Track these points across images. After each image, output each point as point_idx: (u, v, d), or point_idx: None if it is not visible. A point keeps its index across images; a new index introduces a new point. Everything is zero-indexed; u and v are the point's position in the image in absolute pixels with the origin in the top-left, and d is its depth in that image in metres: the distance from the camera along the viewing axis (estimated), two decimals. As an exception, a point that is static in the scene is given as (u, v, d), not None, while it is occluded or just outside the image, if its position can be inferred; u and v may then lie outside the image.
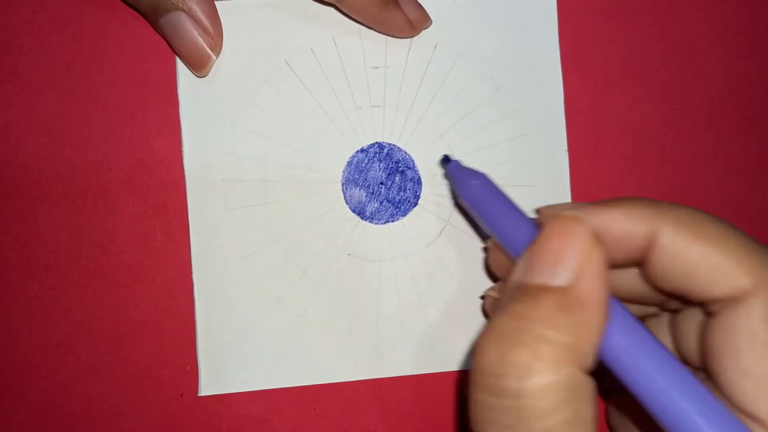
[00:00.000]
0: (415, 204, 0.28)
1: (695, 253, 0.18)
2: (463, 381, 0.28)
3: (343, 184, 0.28)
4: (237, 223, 0.27)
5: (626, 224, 0.19)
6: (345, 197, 0.28)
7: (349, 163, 0.28)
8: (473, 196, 0.24)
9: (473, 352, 0.18)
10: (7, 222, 0.27)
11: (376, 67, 0.28)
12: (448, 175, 0.26)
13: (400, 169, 0.28)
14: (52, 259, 0.27)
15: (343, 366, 0.27)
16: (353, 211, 0.28)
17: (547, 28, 0.28)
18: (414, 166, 0.28)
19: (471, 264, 0.28)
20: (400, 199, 0.28)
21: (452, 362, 0.28)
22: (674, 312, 0.22)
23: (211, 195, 0.27)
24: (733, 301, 0.18)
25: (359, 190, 0.28)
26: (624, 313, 0.18)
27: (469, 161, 0.26)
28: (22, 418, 0.27)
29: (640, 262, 0.20)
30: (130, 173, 0.27)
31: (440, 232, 0.28)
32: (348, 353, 0.27)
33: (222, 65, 0.27)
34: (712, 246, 0.18)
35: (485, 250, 0.28)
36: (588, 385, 0.17)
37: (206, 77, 0.27)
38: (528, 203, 0.23)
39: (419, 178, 0.28)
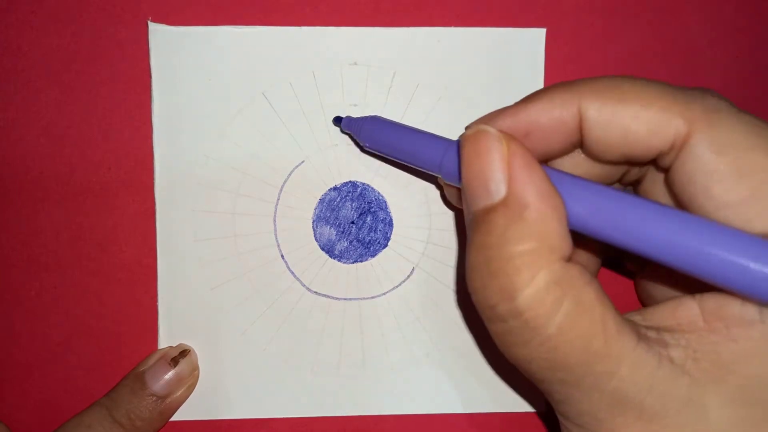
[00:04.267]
0: (385, 246, 0.28)
1: (623, 117, 0.18)
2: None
3: (313, 221, 0.28)
4: (205, 255, 0.27)
5: (551, 112, 0.19)
6: (315, 234, 0.28)
7: (321, 201, 0.28)
8: (371, 138, 0.25)
9: (471, 294, 0.19)
10: (7, 222, 0.27)
11: (355, 105, 0.27)
12: (348, 133, 0.27)
13: (372, 209, 0.28)
14: (53, 258, 0.27)
15: (304, 402, 0.27)
16: (322, 249, 0.28)
17: (532, 74, 0.28)
18: (386, 208, 0.28)
19: (437, 309, 0.28)
20: (369, 240, 0.28)
21: (413, 405, 0.28)
22: (638, 183, 0.21)
23: (180, 225, 0.27)
24: (677, 148, 0.18)
25: (330, 228, 0.27)
26: (580, 182, 0.18)
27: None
28: (22, 417, 0.27)
29: (580, 143, 0.20)
30: (130, 173, 0.27)
31: (408, 276, 0.28)
32: (310, 390, 0.27)
33: (198, 94, 0.27)
34: (636, 104, 0.18)
35: (438, 186, 0.27)
36: (576, 272, 0.17)
37: (181, 105, 0.27)
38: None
39: (390, 220, 0.28)
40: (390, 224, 0.28)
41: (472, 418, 0.28)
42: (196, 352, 0.27)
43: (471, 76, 0.28)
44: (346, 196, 0.28)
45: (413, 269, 0.28)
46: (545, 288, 0.17)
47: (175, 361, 0.26)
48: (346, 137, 0.28)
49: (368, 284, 0.28)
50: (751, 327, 0.16)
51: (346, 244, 0.28)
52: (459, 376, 0.28)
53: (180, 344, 0.27)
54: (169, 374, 0.26)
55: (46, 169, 0.27)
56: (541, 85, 0.28)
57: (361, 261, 0.28)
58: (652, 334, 0.17)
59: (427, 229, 0.28)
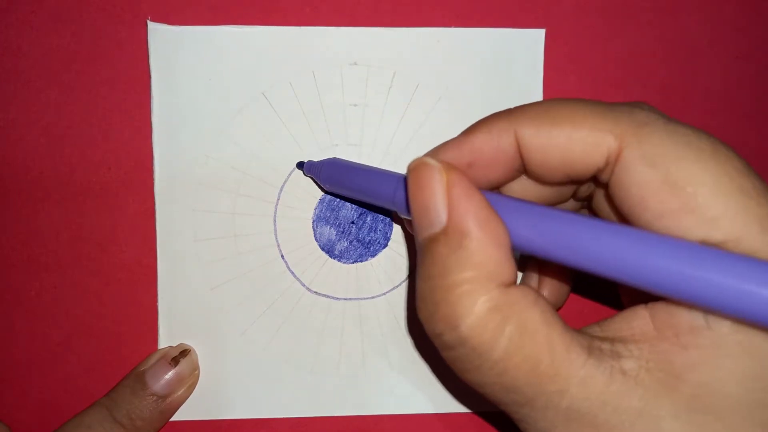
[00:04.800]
0: (385, 245, 0.28)
1: (557, 139, 0.18)
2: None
3: (314, 221, 0.28)
4: (205, 255, 0.27)
5: (490, 141, 0.19)
6: (315, 234, 0.28)
7: (321, 201, 0.28)
8: (331, 180, 0.25)
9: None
10: (7, 222, 0.27)
11: (355, 105, 0.27)
12: (310, 177, 0.27)
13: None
14: (53, 258, 0.27)
15: (304, 402, 0.27)
16: (322, 249, 0.28)
17: (531, 74, 0.28)
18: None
19: None
20: (369, 240, 0.28)
21: (413, 405, 0.28)
22: (590, 199, 0.22)
23: (180, 225, 0.27)
24: (612, 163, 0.18)
25: (330, 228, 0.28)
26: (521, 205, 0.19)
27: None
28: (22, 417, 0.27)
29: (523, 168, 0.20)
30: (130, 173, 0.27)
31: (408, 275, 0.28)
32: (310, 390, 0.27)
33: (197, 93, 0.27)
34: (568, 126, 0.18)
35: (395, 221, 0.28)
36: (517, 296, 0.17)
37: (181, 105, 0.27)
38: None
39: (390, 220, 0.28)
40: (389, 224, 0.28)
41: (472, 417, 0.28)
42: (196, 352, 0.27)
43: (471, 76, 0.28)
44: (346, 196, 0.28)
45: (413, 269, 0.28)
46: (486, 315, 0.17)
47: (175, 361, 0.26)
48: (347, 137, 0.28)
49: (368, 284, 0.28)
50: (700, 334, 0.16)
51: (346, 244, 0.28)
52: (459, 376, 0.28)
53: (180, 344, 0.27)
54: (170, 374, 0.26)
55: (46, 169, 0.27)
56: (540, 85, 0.28)
57: (361, 261, 0.28)
58: (606, 346, 0.18)
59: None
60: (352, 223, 0.28)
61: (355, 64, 0.27)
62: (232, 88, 0.27)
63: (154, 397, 0.25)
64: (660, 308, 0.18)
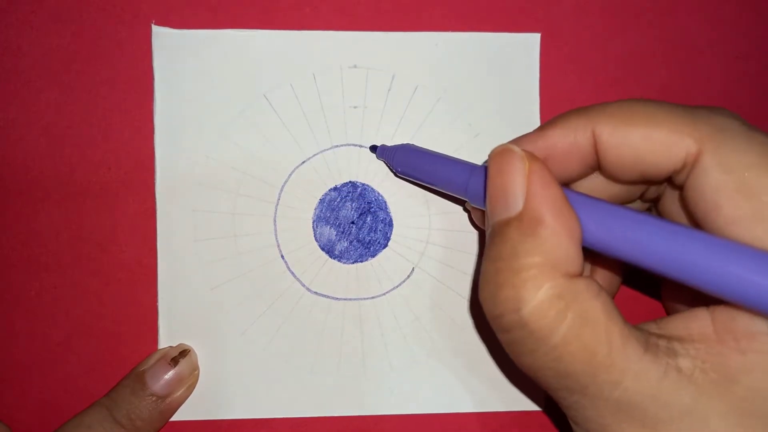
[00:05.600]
0: (385, 246, 0.28)
1: (634, 139, 0.19)
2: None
3: (314, 222, 0.28)
4: (205, 255, 0.27)
5: (567, 137, 0.20)
6: (315, 234, 0.28)
7: (321, 201, 0.28)
8: (403, 164, 0.26)
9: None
10: (7, 222, 0.27)
11: (355, 107, 0.28)
12: (383, 160, 0.27)
13: (372, 209, 0.28)
14: (53, 258, 0.27)
15: (304, 402, 0.27)
16: (322, 249, 0.28)
17: (527, 77, 0.28)
18: (386, 208, 0.28)
19: (437, 309, 0.28)
20: (369, 240, 0.28)
21: (413, 405, 0.28)
22: (657, 201, 0.22)
23: (180, 225, 0.27)
24: (689, 166, 0.18)
25: (330, 228, 0.28)
26: (596, 203, 0.19)
27: (445, 206, 0.28)
28: (22, 417, 0.27)
29: (597, 165, 0.21)
30: (131, 173, 0.27)
31: (408, 276, 0.28)
32: (310, 390, 0.27)
33: (199, 95, 0.27)
34: (647, 126, 0.19)
35: (466, 210, 0.28)
36: (582, 287, 0.18)
37: (183, 107, 0.27)
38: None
39: (390, 220, 0.28)
40: (390, 224, 0.28)
41: (473, 417, 0.28)
42: (196, 352, 0.27)
43: (468, 79, 0.28)
44: (346, 196, 0.28)
45: (413, 269, 0.28)
46: (548, 301, 0.17)
47: (175, 361, 0.26)
48: (347, 137, 0.28)
49: (368, 284, 0.28)
50: (759, 340, 0.17)
51: (346, 244, 0.28)
52: (459, 376, 0.28)
53: (180, 344, 0.27)
54: (169, 374, 0.26)
55: (46, 169, 0.27)
56: (536, 88, 0.28)
57: (361, 261, 0.28)
58: (663, 343, 0.18)
59: (427, 229, 0.28)
60: (352, 223, 0.28)
61: (355, 66, 0.28)
62: (234, 90, 0.27)
63: (154, 397, 0.25)
64: (722, 312, 0.18)
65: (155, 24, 0.27)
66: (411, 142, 0.28)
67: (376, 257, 0.28)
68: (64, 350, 0.27)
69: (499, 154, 0.19)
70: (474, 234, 0.28)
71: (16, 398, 0.27)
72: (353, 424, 0.28)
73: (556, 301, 0.17)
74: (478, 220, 0.26)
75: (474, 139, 0.28)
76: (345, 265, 0.28)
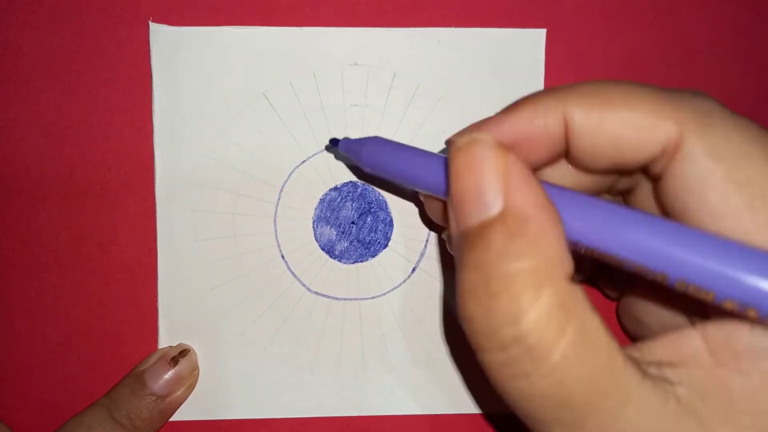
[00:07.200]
0: (385, 246, 0.28)
1: (610, 122, 0.17)
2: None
3: (314, 222, 0.28)
4: (205, 255, 0.27)
5: (535, 120, 0.18)
6: (315, 235, 0.28)
7: (322, 201, 0.28)
8: (372, 159, 0.23)
9: (462, 322, 0.17)
10: (7, 222, 0.27)
11: (356, 105, 0.27)
12: (343, 155, 0.26)
13: (372, 209, 0.28)
14: (53, 258, 0.27)
15: (303, 402, 0.27)
16: (323, 249, 0.28)
17: (532, 74, 0.28)
18: (386, 208, 0.28)
19: (437, 309, 0.28)
20: (370, 240, 0.28)
21: (413, 405, 0.28)
22: (627, 193, 0.21)
23: (180, 225, 0.27)
24: (669, 153, 0.17)
25: (330, 228, 0.27)
26: (574, 195, 0.17)
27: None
28: (22, 417, 0.27)
29: (565, 152, 0.19)
30: (130, 173, 0.27)
31: (408, 276, 0.28)
32: (310, 390, 0.27)
33: (199, 94, 0.27)
34: (623, 108, 0.17)
35: (418, 202, 0.27)
36: (580, 295, 0.16)
37: (182, 105, 0.27)
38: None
39: (391, 220, 0.28)
40: (390, 224, 0.28)
41: (473, 417, 0.28)
42: (196, 352, 0.27)
43: (471, 77, 0.28)
44: (346, 196, 0.28)
45: (413, 269, 0.28)
46: (551, 309, 0.15)
47: (175, 361, 0.26)
48: (348, 136, 0.27)
49: (368, 284, 0.28)
50: (762, 358, 0.15)
51: (346, 245, 0.28)
52: (459, 376, 0.28)
53: (180, 344, 0.27)
54: (169, 374, 0.26)
55: (46, 169, 0.27)
56: (541, 86, 0.28)
57: (362, 261, 0.28)
58: (652, 370, 0.16)
59: (427, 229, 0.28)
60: (353, 223, 0.28)
61: (356, 64, 0.27)
62: (233, 89, 0.27)
63: (154, 397, 0.25)
64: (715, 330, 0.16)
65: (153, 21, 0.27)
66: (413, 140, 0.27)
67: (377, 257, 0.28)
68: (64, 350, 0.27)
69: (466, 146, 0.17)
70: None
71: (16, 398, 0.27)
72: (353, 424, 0.28)
73: (557, 311, 0.15)
74: (435, 214, 0.23)
75: None
76: (345, 265, 0.28)
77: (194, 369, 0.27)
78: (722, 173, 0.16)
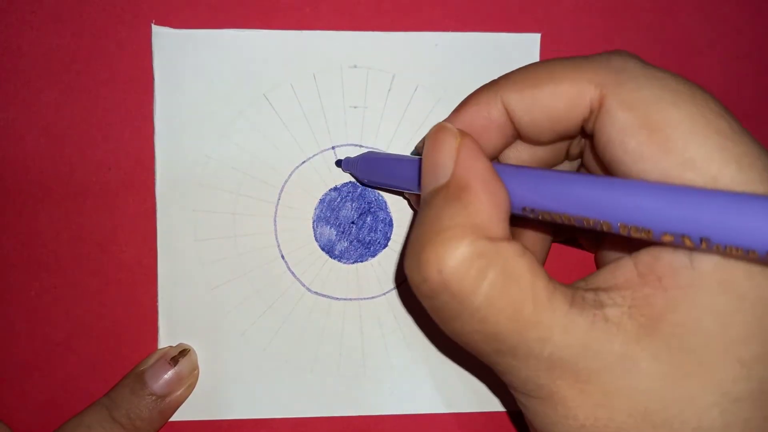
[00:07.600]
0: (385, 246, 0.28)
1: (542, 98, 0.19)
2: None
3: (314, 222, 0.28)
4: (205, 255, 0.27)
5: (479, 113, 0.21)
6: (315, 234, 0.28)
7: (322, 201, 0.28)
8: (367, 171, 0.26)
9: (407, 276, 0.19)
10: (7, 222, 0.27)
11: (355, 107, 0.28)
12: (349, 172, 0.28)
13: (372, 209, 0.28)
14: (53, 258, 0.27)
15: (304, 402, 0.27)
16: (322, 249, 0.28)
17: None
18: (386, 208, 0.28)
19: None
20: (370, 240, 0.28)
21: (413, 405, 0.28)
22: (582, 156, 0.23)
23: (180, 225, 0.27)
24: (595, 112, 0.18)
25: (330, 228, 0.28)
26: (520, 170, 0.19)
27: None
28: (22, 417, 0.27)
29: (516, 133, 0.21)
30: (131, 173, 0.27)
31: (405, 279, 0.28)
32: (310, 390, 0.27)
33: (200, 95, 0.27)
34: (549, 83, 0.19)
35: (405, 198, 0.28)
36: (504, 245, 0.17)
37: (183, 107, 0.27)
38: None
39: (390, 220, 0.28)
40: (390, 224, 0.28)
41: (473, 417, 0.28)
42: (196, 352, 0.27)
43: (468, 79, 0.28)
44: (346, 196, 0.28)
45: None
46: (469, 259, 0.17)
47: (175, 361, 0.26)
48: (347, 139, 0.28)
49: (368, 284, 0.28)
50: (681, 274, 0.17)
51: (346, 245, 0.28)
52: (459, 376, 0.28)
53: (180, 344, 0.27)
54: (169, 374, 0.26)
55: (46, 169, 0.27)
56: None
57: (362, 261, 0.28)
58: (589, 296, 0.18)
59: (427, 229, 0.28)
60: (353, 223, 0.28)
61: (355, 67, 0.28)
62: (234, 90, 0.27)
63: (154, 397, 0.25)
64: (644, 255, 0.18)
65: (155, 24, 0.27)
66: (413, 146, 0.28)
67: (377, 257, 0.28)
68: (64, 350, 0.27)
69: (434, 133, 0.20)
70: None
71: (16, 398, 0.27)
72: (353, 424, 0.28)
73: (477, 260, 0.17)
74: (417, 205, 0.26)
75: None
76: (345, 265, 0.28)
77: (194, 369, 0.27)
78: (636, 121, 0.17)
